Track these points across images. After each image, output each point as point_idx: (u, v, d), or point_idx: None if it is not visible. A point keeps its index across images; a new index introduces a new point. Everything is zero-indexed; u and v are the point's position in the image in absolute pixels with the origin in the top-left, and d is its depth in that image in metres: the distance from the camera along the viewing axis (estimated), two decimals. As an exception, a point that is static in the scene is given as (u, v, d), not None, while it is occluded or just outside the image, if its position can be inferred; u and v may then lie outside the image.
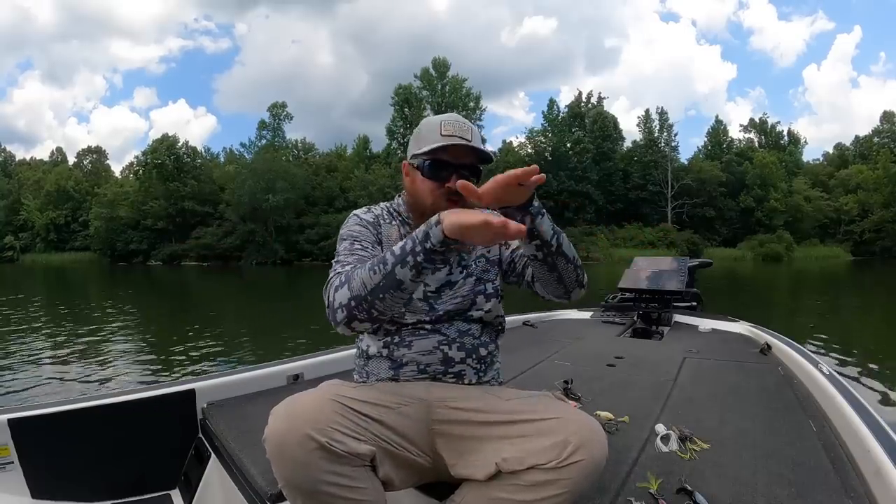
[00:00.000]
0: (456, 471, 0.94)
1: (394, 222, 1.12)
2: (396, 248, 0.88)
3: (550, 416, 0.89)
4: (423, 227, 0.87)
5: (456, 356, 1.05)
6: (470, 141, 1.04)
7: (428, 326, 1.06)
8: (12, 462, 1.35)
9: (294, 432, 0.80)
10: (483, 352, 1.09)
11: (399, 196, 1.17)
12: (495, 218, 0.81)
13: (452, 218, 0.84)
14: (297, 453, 0.80)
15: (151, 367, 5.12)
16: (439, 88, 39.26)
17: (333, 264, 1.01)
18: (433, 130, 1.05)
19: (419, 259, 0.86)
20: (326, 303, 0.93)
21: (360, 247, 1.03)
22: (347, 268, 0.96)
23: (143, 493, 1.49)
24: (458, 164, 1.03)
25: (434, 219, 0.86)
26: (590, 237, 35.67)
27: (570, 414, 0.90)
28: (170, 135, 41.57)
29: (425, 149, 1.03)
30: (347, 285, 0.90)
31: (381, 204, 1.17)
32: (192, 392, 1.58)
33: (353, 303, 0.88)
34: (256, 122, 43.22)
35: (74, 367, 5.07)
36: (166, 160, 39.84)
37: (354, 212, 1.13)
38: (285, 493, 0.86)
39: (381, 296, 0.87)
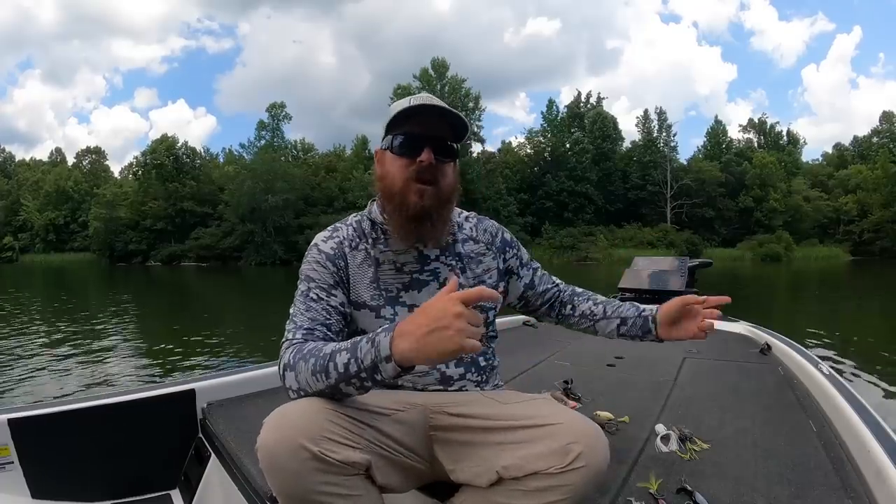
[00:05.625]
0: (455, 476, 0.92)
1: (361, 245, 1.02)
2: (340, 362, 0.79)
3: (552, 422, 0.86)
4: (369, 355, 0.77)
5: (454, 373, 1.01)
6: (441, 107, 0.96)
7: None
8: (12, 462, 1.34)
9: (286, 442, 0.77)
10: (482, 362, 1.06)
11: (373, 201, 1.07)
12: (470, 342, 0.71)
13: (405, 347, 0.74)
14: (289, 464, 0.76)
15: (151, 367, 5.13)
16: (438, 89, 39.19)
17: (291, 310, 0.95)
18: (402, 105, 0.97)
19: (367, 384, 0.79)
20: (279, 368, 0.88)
21: (314, 297, 0.95)
22: (298, 334, 0.90)
23: (143, 493, 1.49)
24: (430, 136, 0.96)
25: (383, 348, 0.75)
26: (589, 237, 35.73)
27: (572, 419, 0.87)
28: (169, 135, 41.73)
29: (393, 117, 0.96)
30: (294, 374, 0.83)
31: (351, 218, 1.07)
32: (192, 392, 1.57)
33: (301, 392, 0.84)
34: (256, 123, 43.23)
35: (74, 367, 5.07)
36: (165, 161, 39.92)
37: (317, 238, 1.03)
38: (280, 503, 0.83)
39: (328, 395, 0.83)
